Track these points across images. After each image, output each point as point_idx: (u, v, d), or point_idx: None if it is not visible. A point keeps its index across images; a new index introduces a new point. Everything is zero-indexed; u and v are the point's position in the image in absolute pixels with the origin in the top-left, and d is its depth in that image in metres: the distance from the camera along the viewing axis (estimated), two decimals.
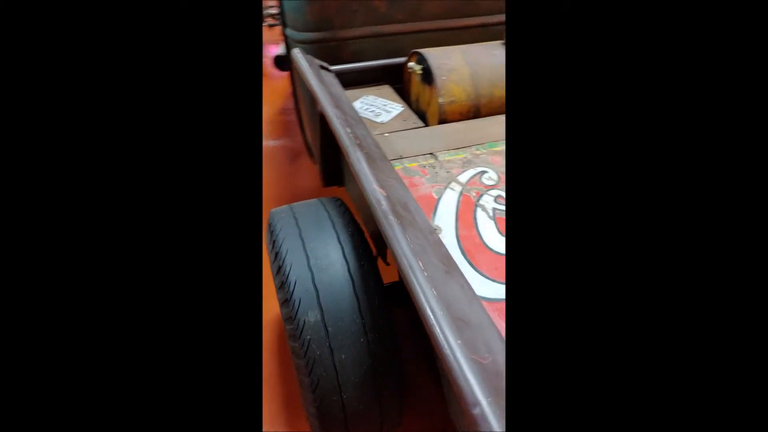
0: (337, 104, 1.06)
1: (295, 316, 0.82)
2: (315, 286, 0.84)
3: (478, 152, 1.10)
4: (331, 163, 1.42)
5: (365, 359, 0.83)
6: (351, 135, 0.92)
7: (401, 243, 0.67)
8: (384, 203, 0.74)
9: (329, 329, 0.82)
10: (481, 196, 0.97)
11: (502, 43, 1.34)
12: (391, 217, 0.71)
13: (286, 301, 0.84)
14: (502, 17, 1.46)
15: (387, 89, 1.41)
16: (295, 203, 1.08)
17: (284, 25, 1.41)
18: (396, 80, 1.45)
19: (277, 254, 0.90)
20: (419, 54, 1.26)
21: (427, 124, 1.25)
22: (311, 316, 0.82)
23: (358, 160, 0.83)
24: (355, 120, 1.07)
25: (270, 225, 0.99)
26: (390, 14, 1.33)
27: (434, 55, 1.23)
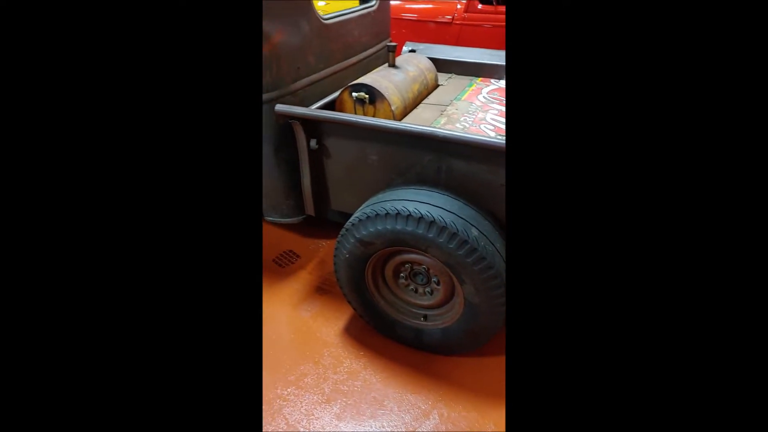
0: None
1: (467, 239, 1.24)
2: (460, 217, 1.28)
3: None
4: (322, 192, 1.73)
5: (500, 238, 1.34)
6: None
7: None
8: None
9: (484, 233, 1.28)
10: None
11: (386, 65, 1.95)
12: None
13: (454, 234, 1.24)
14: (368, 52, 2.06)
15: None
16: (381, 196, 1.42)
17: None
18: None
19: (420, 218, 1.27)
20: (359, 85, 1.72)
21: None
22: (474, 232, 1.26)
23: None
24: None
25: (391, 210, 1.32)
26: (317, 65, 1.73)
27: (369, 82, 1.73)
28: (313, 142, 1.60)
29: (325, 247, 2.17)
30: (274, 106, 1.59)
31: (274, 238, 2.21)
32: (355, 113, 1.80)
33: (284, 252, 2.13)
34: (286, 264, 2.06)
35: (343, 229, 1.47)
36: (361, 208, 1.48)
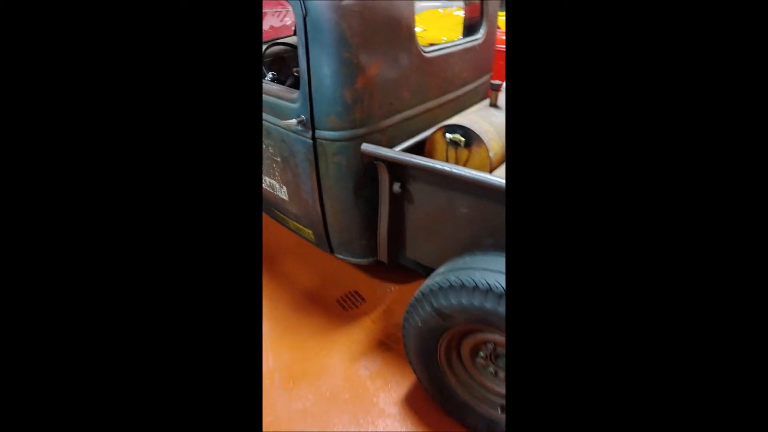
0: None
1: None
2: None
3: None
4: (399, 238, 1.55)
5: None
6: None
7: None
8: None
9: None
10: None
11: (487, 104, 1.75)
12: None
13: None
14: (467, 88, 1.89)
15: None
16: (468, 259, 1.21)
17: (313, 129, 1.48)
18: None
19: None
20: (454, 126, 1.54)
21: None
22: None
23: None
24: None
25: (481, 283, 1.11)
26: (411, 101, 1.58)
27: (467, 124, 1.54)
28: (396, 186, 1.44)
29: (393, 292, 1.99)
30: (360, 143, 1.45)
31: (340, 276, 2.08)
32: (447, 156, 1.62)
33: (349, 293, 1.98)
34: (350, 307, 1.90)
35: (419, 293, 1.27)
36: (443, 270, 1.28)
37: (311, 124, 1.48)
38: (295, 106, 1.49)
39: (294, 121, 1.47)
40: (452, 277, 1.18)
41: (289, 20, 4.41)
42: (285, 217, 1.96)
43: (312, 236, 1.86)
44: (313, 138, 1.50)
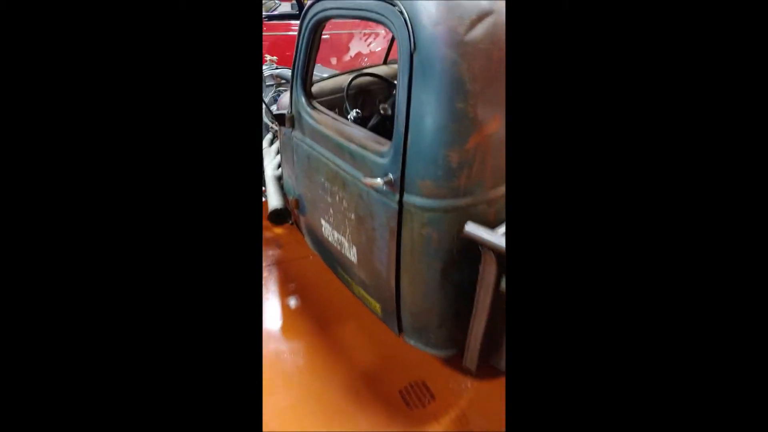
0: None
1: None
2: None
3: None
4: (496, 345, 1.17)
5: None
6: None
7: None
8: None
9: None
10: None
11: None
12: None
13: None
14: None
15: None
16: None
17: (401, 192, 1.16)
18: None
19: None
20: None
21: None
22: None
23: None
24: None
25: None
26: None
27: None
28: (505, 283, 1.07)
29: (470, 391, 1.59)
30: (459, 215, 1.11)
31: (407, 360, 1.71)
32: None
33: (415, 383, 1.61)
34: (415, 405, 1.53)
35: None
36: None
37: (400, 185, 1.16)
38: (382, 161, 1.18)
39: (380, 181, 1.16)
40: None
41: (378, 47, 4.24)
42: (350, 280, 1.65)
43: (379, 310, 1.53)
44: (400, 202, 1.17)
